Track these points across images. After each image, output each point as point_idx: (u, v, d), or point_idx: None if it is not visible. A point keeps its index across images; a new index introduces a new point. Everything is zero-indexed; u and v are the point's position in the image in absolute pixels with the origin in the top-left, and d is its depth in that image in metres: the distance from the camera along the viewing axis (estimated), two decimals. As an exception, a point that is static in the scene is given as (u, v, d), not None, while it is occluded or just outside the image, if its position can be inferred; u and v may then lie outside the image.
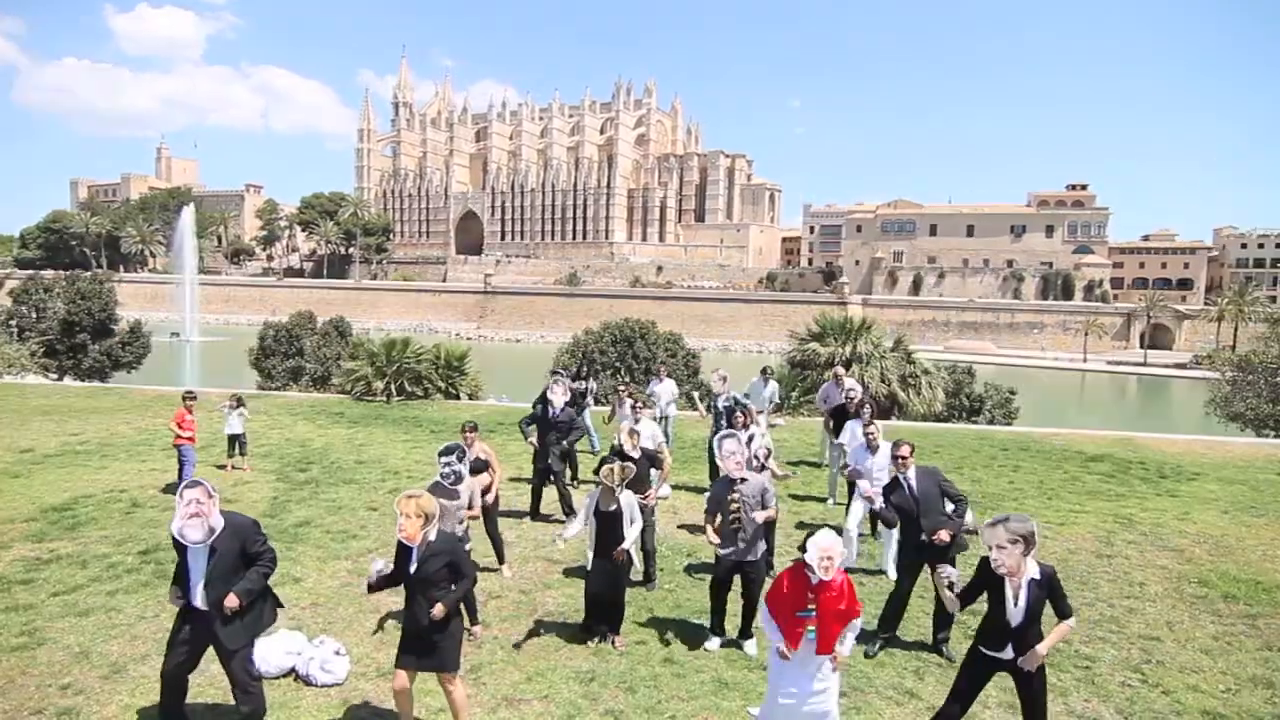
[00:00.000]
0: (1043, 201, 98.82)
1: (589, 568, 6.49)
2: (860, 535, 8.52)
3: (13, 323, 28.14)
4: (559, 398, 9.60)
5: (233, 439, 11.55)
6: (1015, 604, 4.44)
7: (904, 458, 6.54)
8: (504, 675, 5.87)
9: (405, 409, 17.32)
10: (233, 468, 11.62)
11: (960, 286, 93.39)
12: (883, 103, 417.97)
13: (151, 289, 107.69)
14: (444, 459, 6.46)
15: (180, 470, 10.37)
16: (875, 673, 6.04)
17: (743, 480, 6.44)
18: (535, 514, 9.68)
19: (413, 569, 4.78)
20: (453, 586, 4.84)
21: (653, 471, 7.86)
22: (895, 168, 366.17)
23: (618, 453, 7.48)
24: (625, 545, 6.30)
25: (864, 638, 6.50)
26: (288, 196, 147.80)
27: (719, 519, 6.38)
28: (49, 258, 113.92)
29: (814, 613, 4.58)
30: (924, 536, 6.33)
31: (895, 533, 8.01)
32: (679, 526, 9.62)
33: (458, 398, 19.07)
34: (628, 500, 6.44)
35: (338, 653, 5.76)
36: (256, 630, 4.90)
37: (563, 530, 6.79)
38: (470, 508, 6.62)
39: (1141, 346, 77.96)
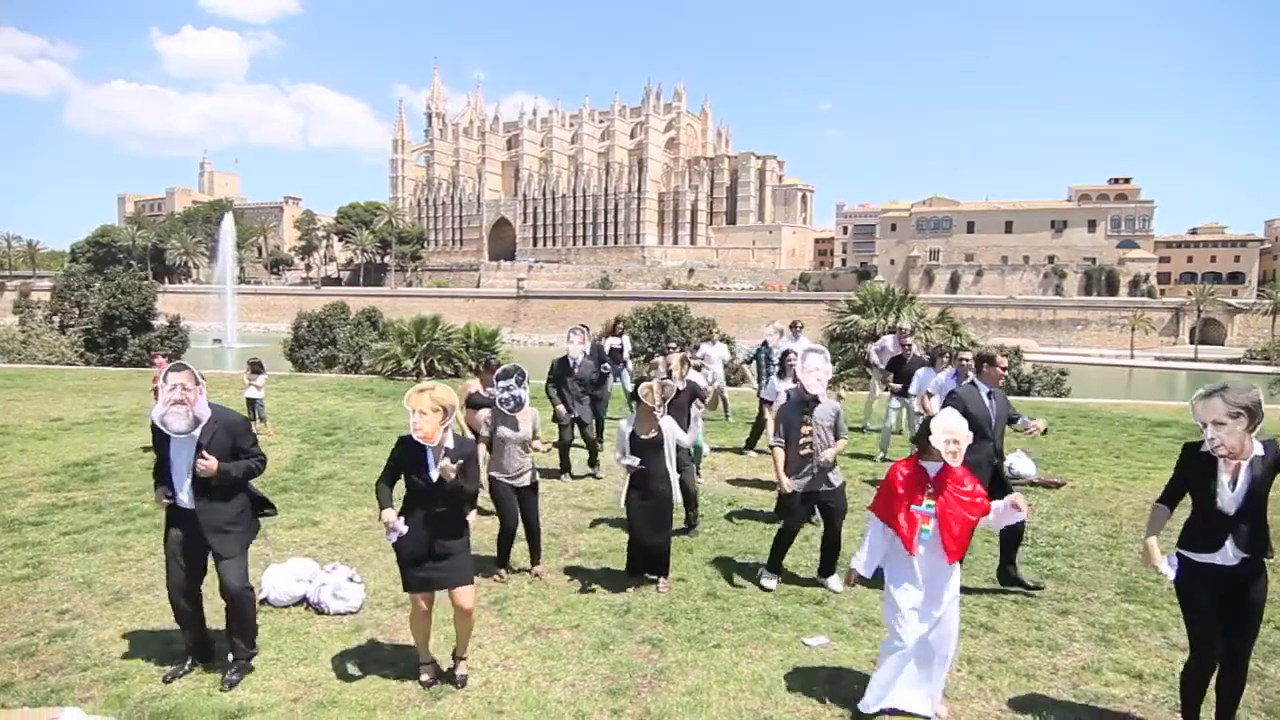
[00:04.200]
0: (1084, 196, 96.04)
1: (624, 505, 5.80)
2: None
3: (55, 318, 28.61)
4: (577, 347, 9.17)
5: (250, 402, 11.36)
6: (1232, 488, 3.45)
7: (1005, 369, 5.81)
8: (531, 607, 5.39)
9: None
10: (256, 432, 11.41)
11: (999, 284, 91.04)
12: (915, 103, 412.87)
13: (195, 299, 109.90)
14: (502, 383, 5.75)
15: None
16: (942, 608, 5.42)
17: (816, 401, 5.76)
18: (567, 473, 9.16)
19: (434, 476, 4.19)
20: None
21: (694, 408, 7.34)
22: (929, 168, 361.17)
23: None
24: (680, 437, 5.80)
25: None
26: (325, 208, 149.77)
27: (787, 448, 5.70)
28: (97, 271, 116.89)
29: (933, 509, 3.89)
30: (995, 459, 5.69)
31: None
32: (726, 481, 9.07)
33: (488, 378, 18.79)
34: (669, 426, 5.85)
35: (351, 579, 5.33)
36: (248, 539, 4.46)
37: (618, 459, 5.86)
38: (535, 438, 5.94)
39: (1191, 342, 75.18)
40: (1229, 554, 3.49)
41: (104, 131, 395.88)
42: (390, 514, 4.20)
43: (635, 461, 5.65)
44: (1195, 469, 3.59)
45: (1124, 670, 4.50)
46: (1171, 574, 3.61)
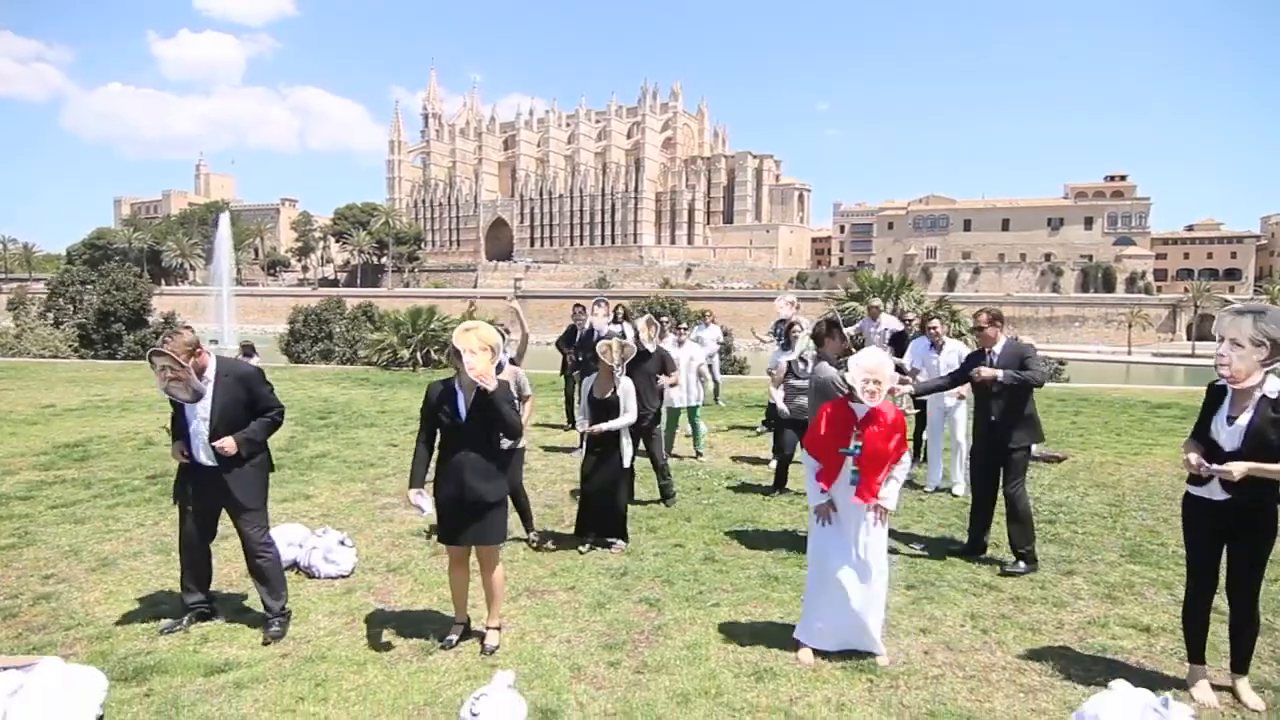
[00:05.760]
0: (1080, 193, 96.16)
1: (580, 464, 5.95)
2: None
3: (50, 314, 28.47)
4: (601, 320, 9.03)
5: None
6: (1229, 422, 3.34)
7: (982, 328, 5.60)
8: (527, 570, 5.29)
9: (432, 376, 16.93)
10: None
11: (996, 282, 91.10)
12: (912, 103, 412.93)
13: (192, 301, 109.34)
14: None
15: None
16: (946, 570, 5.33)
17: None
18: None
19: (463, 415, 4.00)
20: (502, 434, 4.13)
21: (662, 377, 7.30)
22: (926, 167, 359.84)
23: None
24: (602, 427, 5.68)
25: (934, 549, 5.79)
26: (322, 209, 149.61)
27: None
28: (93, 272, 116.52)
29: (860, 450, 3.87)
30: (992, 417, 5.53)
31: (964, 441, 7.31)
32: (733, 458, 9.00)
33: (485, 368, 18.67)
34: (626, 388, 5.82)
35: (342, 543, 5.24)
36: (266, 492, 4.40)
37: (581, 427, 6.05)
38: (522, 396, 5.73)
39: (1188, 338, 75.27)
40: (1215, 488, 3.41)
41: (101, 134, 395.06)
42: (413, 493, 4.07)
43: (584, 424, 5.81)
44: (1211, 402, 3.53)
45: (1131, 625, 4.41)
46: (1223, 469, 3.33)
